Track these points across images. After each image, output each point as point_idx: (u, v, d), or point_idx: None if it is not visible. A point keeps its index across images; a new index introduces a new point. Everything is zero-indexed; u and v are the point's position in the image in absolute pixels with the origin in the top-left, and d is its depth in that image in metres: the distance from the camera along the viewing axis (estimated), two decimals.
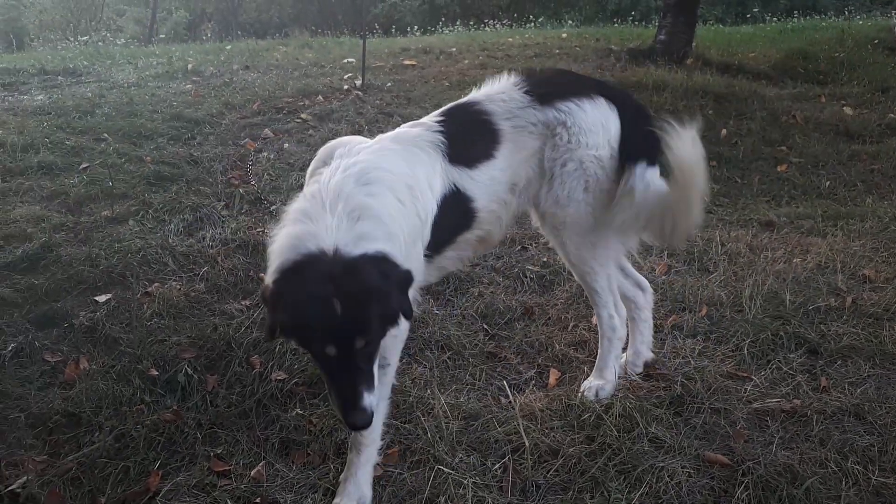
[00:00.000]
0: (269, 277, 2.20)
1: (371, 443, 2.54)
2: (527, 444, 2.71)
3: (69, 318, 3.37)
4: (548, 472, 2.65)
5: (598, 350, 3.12)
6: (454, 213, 2.66)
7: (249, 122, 6.89)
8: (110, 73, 9.36)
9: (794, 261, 4.28)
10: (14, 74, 8.91)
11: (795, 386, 3.07)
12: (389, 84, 8.11)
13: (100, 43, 15.91)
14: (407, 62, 9.78)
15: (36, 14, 26.42)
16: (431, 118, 2.77)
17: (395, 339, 2.52)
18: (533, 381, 3.25)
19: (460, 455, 2.72)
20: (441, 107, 2.93)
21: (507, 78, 2.88)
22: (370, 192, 2.30)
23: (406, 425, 2.89)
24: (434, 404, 2.98)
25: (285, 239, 2.20)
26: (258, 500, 2.51)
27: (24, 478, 2.47)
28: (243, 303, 3.76)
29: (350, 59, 9.84)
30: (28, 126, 6.09)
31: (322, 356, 2.09)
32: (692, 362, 3.25)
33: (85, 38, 17.26)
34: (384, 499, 2.54)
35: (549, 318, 3.82)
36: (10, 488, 2.40)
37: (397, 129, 2.76)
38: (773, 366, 3.22)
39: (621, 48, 10.48)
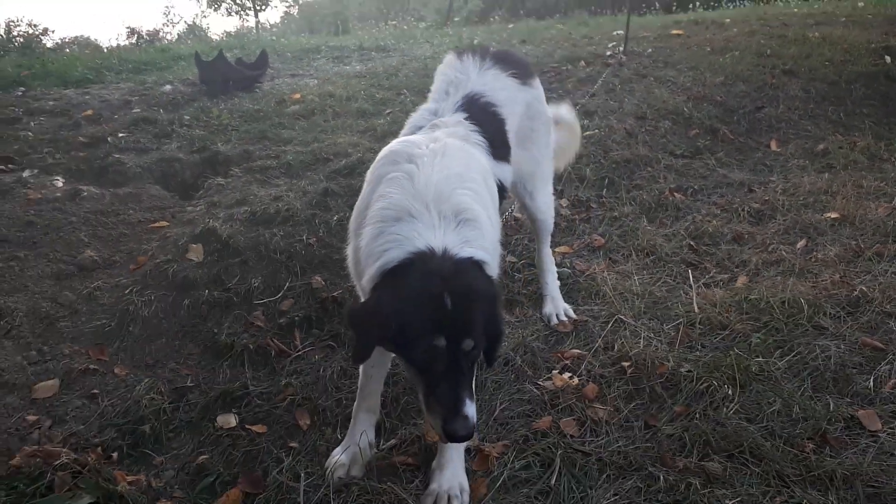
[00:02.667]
0: (368, 281, 2.14)
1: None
2: (696, 310, 3.30)
3: None
4: (714, 339, 3.22)
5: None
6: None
7: None
8: (411, 49, 11.17)
9: None
10: (340, 51, 11.17)
11: None
12: (650, 50, 8.54)
13: (405, 27, 18.50)
14: (673, 32, 10.04)
15: (356, 5, 35.61)
16: (456, 114, 2.79)
17: None
18: (722, 283, 3.77)
19: (642, 320, 3.40)
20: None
21: (470, 59, 3.02)
22: (472, 196, 2.26)
23: (597, 298, 3.63)
24: (628, 286, 3.68)
25: (388, 237, 2.11)
26: None
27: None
28: None
29: (619, 31, 10.39)
30: (350, 84, 7.85)
31: (426, 355, 2.00)
32: (880, 279, 3.49)
33: (393, 22, 20.19)
34: (575, 335, 3.33)
35: (756, 243, 4.23)
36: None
37: (440, 128, 2.68)
38: None
39: None
